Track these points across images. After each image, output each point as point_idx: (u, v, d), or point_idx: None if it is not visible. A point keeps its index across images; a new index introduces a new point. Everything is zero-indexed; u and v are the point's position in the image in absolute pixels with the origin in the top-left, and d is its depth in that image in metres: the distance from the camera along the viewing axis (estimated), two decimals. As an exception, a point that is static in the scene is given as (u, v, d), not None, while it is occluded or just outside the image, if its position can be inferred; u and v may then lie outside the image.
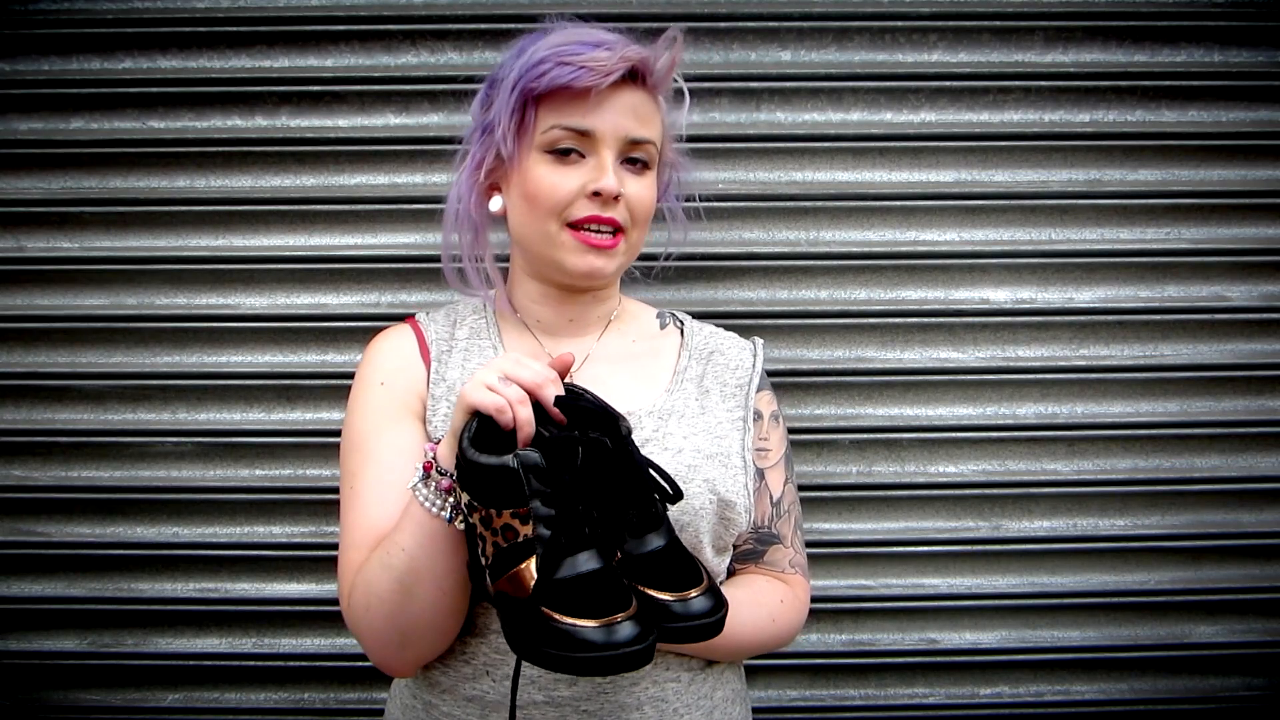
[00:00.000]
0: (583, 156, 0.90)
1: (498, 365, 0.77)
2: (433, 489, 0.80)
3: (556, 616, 0.69)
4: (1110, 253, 1.45)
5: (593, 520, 0.74)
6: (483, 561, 0.76)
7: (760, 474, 0.99)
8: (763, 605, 0.97)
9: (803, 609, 1.01)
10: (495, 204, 0.98)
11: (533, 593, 0.71)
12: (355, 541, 0.89)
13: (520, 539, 0.72)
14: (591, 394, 0.81)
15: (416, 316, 1.04)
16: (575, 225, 0.90)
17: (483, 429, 0.75)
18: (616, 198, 0.90)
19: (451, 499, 0.80)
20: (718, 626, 0.77)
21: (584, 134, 0.90)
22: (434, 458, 0.81)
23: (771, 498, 0.99)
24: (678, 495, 0.78)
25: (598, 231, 0.91)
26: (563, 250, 0.92)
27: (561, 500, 0.71)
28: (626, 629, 0.69)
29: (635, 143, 0.91)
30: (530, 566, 0.72)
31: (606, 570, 0.72)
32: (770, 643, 0.99)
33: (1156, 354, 1.46)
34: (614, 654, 0.68)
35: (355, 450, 0.94)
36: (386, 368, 0.97)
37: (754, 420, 1.00)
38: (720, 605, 0.78)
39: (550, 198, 0.90)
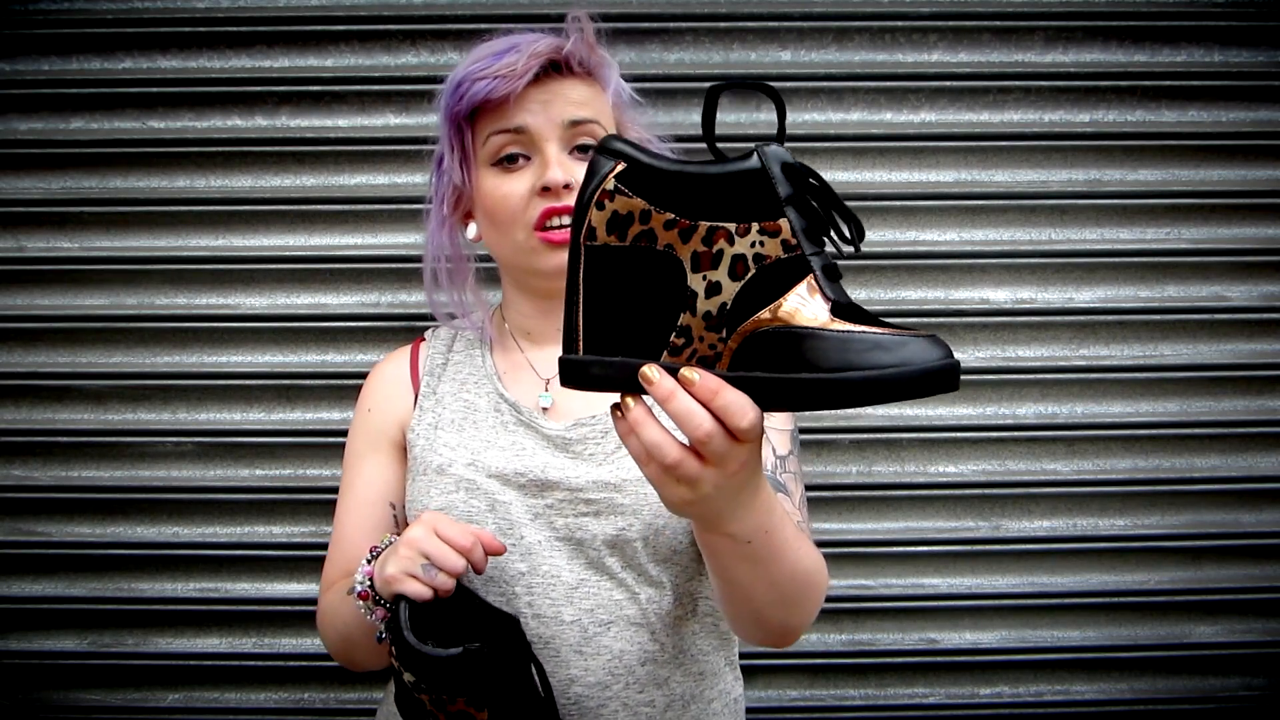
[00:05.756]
0: (529, 159, 0.90)
1: (418, 545, 0.79)
2: (358, 595, 0.85)
3: None
4: (1110, 253, 1.45)
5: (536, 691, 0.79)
6: None
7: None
8: (799, 539, 0.81)
9: (822, 560, 0.87)
10: (471, 231, 0.99)
11: None
12: (333, 557, 0.99)
13: None
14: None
15: (424, 335, 1.07)
16: (540, 227, 0.90)
17: (413, 607, 0.78)
18: (567, 186, 0.88)
19: (370, 615, 0.84)
20: None
21: (519, 132, 0.89)
22: (370, 586, 0.83)
23: (775, 451, 0.96)
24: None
25: (559, 227, 0.89)
26: (534, 255, 0.91)
27: (511, 689, 0.75)
28: None
29: (576, 124, 0.90)
30: None
31: None
32: (815, 567, 0.82)
33: (1156, 354, 1.46)
34: None
35: (345, 469, 1.02)
36: (376, 395, 1.03)
37: None
38: None
39: (505, 207, 0.90)
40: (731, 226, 0.57)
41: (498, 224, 0.92)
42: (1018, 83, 1.43)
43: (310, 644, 1.47)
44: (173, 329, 1.43)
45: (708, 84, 1.39)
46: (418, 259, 1.41)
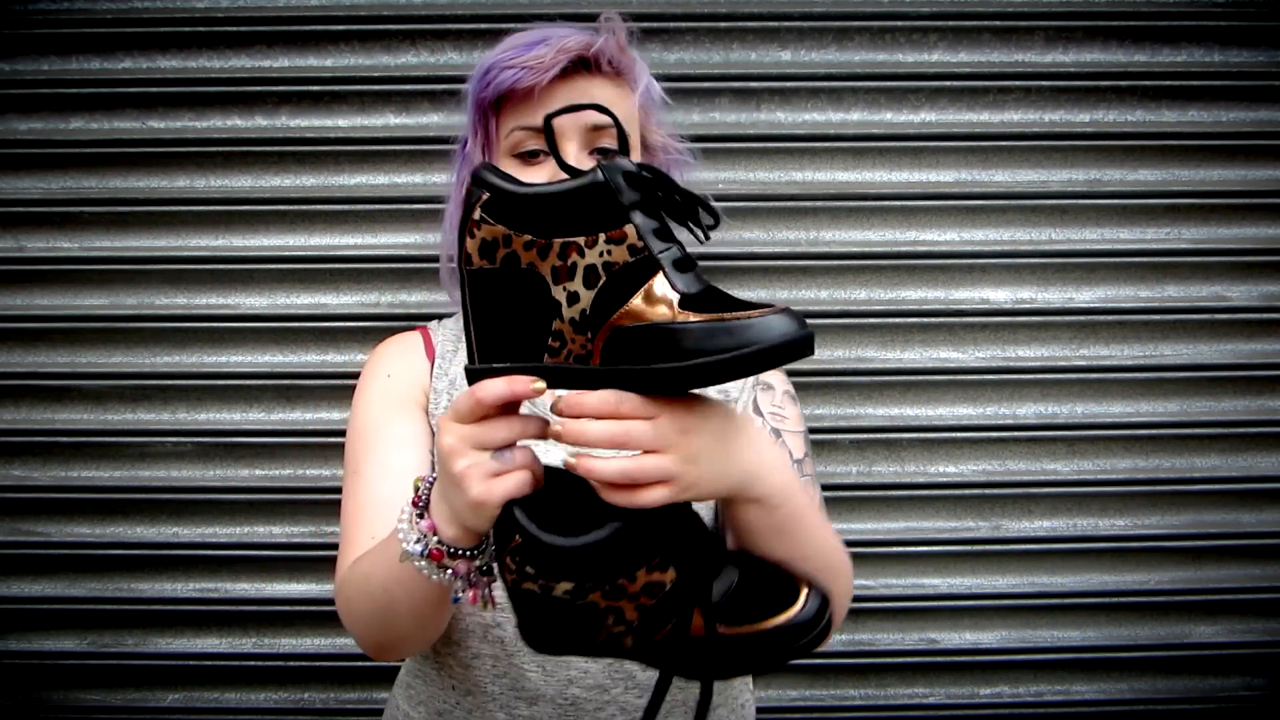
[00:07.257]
0: (549, 155, 0.89)
1: (469, 439, 0.63)
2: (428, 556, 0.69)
3: (758, 627, 0.67)
4: (1110, 253, 1.45)
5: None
6: (617, 630, 0.67)
7: (777, 432, 0.94)
8: (823, 519, 0.84)
9: (846, 551, 0.87)
10: None
11: (710, 627, 0.66)
12: (352, 537, 0.87)
13: (669, 586, 0.65)
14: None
15: (428, 324, 1.06)
16: None
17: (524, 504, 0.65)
18: None
19: (448, 572, 0.69)
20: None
21: (542, 131, 0.89)
22: (438, 542, 0.68)
23: (792, 455, 0.93)
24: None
25: None
26: None
27: (684, 519, 0.67)
28: (815, 601, 0.68)
29: (599, 128, 0.89)
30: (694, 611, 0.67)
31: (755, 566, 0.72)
32: (839, 562, 0.83)
33: (1156, 354, 1.46)
34: (822, 627, 0.68)
35: (359, 439, 0.93)
36: (393, 362, 0.99)
37: (765, 390, 0.97)
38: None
39: None
40: (581, 240, 0.62)
41: None
42: (1018, 83, 1.43)
43: (310, 644, 1.47)
44: (173, 329, 1.43)
45: (707, 84, 1.40)
46: (418, 259, 1.42)
